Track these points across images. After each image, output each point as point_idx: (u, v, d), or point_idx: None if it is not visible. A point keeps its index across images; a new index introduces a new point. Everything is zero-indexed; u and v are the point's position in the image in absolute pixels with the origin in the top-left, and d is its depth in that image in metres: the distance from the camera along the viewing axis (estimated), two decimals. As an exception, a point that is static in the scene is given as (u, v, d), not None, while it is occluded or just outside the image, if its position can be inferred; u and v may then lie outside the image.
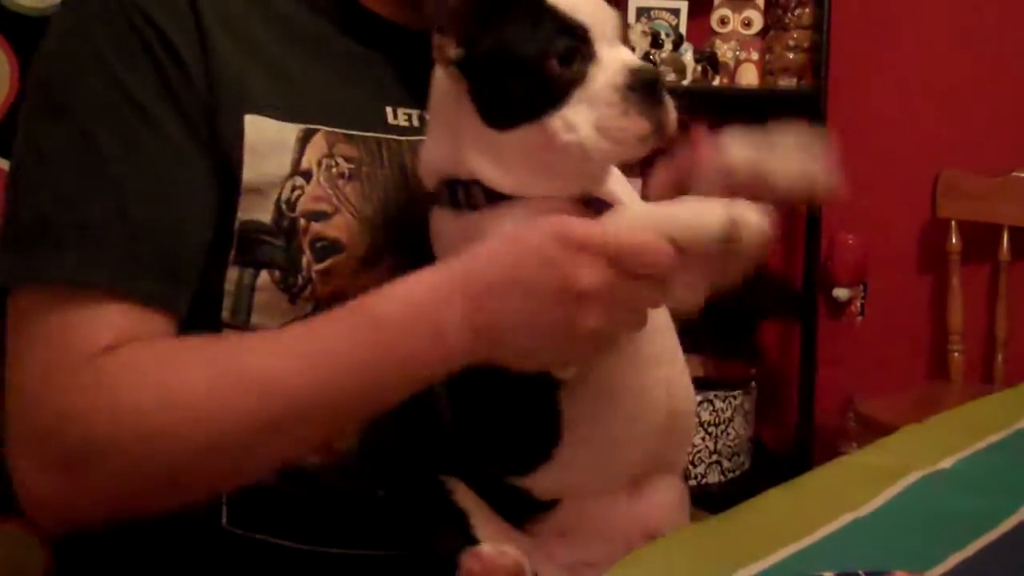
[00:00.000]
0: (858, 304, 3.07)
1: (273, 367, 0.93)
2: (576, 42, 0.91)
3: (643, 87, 0.90)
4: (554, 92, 0.91)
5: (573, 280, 0.86)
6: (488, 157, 0.95)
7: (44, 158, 0.99)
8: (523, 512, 1.01)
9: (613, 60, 0.91)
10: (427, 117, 1.03)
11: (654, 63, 2.75)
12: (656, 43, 2.79)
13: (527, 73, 0.91)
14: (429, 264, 0.98)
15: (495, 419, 1.01)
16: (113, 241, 0.96)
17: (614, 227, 0.88)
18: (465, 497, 1.00)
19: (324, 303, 1.02)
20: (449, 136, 0.97)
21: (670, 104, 0.92)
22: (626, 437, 0.99)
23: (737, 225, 0.84)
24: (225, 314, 1.03)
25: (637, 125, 0.91)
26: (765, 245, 0.86)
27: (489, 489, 1.00)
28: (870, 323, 3.08)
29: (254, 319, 1.02)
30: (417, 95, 1.08)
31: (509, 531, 1.00)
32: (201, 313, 1.02)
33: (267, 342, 0.96)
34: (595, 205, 0.97)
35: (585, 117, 0.91)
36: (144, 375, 0.94)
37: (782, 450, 3.09)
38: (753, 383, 3.08)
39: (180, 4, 1.01)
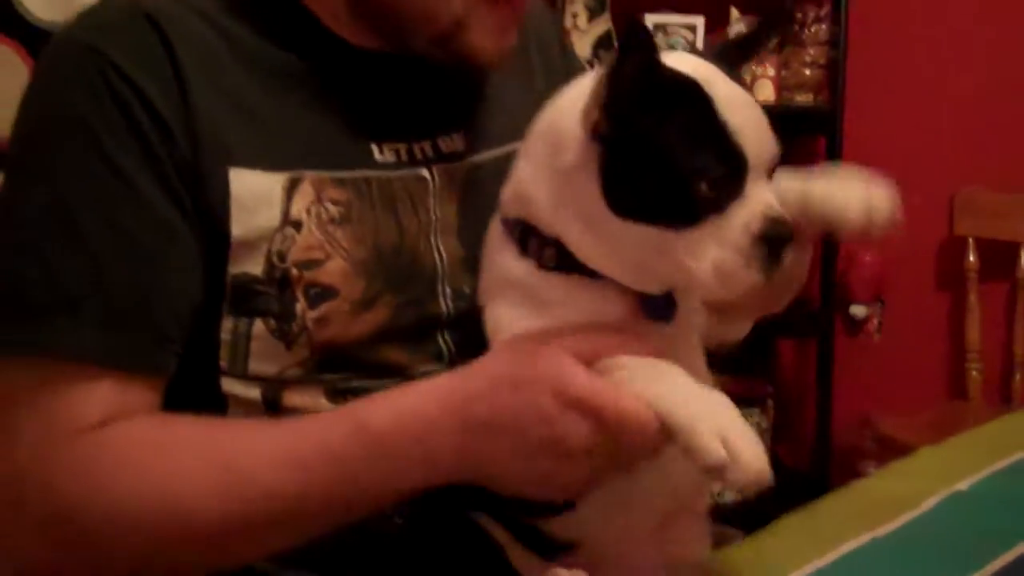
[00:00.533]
0: (875, 322, 3.06)
1: (260, 469, 0.94)
2: (731, 173, 0.87)
3: (773, 241, 0.87)
4: (691, 210, 0.87)
5: (563, 437, 0.88)
6: (585, 225, 0.92)
7: (20, 222, 0.98)
8: (546, 548, 1.00)
9: (756, 203, 0.88)
10: (523, 149, 0.99)
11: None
12: (672, 59, 2.79)
13: (673, 181, 0.87)
14: (425, 303, 1.03)
15: None
16: (94, 311, 0.96)
17: (612, 385, 0.87)
18: (496, 530, 1.00)
19: (320, 348, 1.02)
20: (551, 185, 0.94)
21: (787, 264, 0.89)
22: (648, 493, 0.97)
23: None
24: (223, 363, 1.02)
25: (752, 278, 0.88)
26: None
27: (511, 526, 1.00)
28: (887, 341, 3.07)
29: (252, 366, 1.02)
30: (400, 127, 1.08)
31: (540, 564, 0.99)
32: (199, 362, 1.01)
33: (257, 442, 0.96)
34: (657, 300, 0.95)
35: (711, 252, 0.87)
36: (129, 459, 0.95)
37: (799, 468, 3.07)
38: (770, 400, 3.07)
39: (158, 57, 0.99)
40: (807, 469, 3.01)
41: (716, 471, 0.81)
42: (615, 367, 0.88)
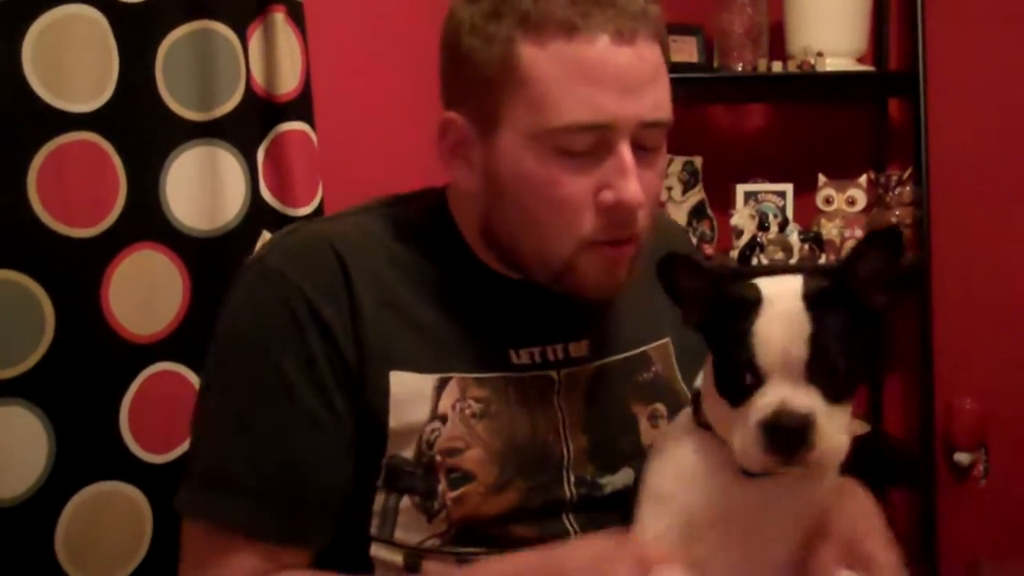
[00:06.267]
0: (980, 468, 3.07)
1: None
2: (755, 374, 1.07)
3: (774, 432, 1.05)
4: (736, 395, 1.08)
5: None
6: (709, 394, 1.14)
7: (210, 414, 1.20)
8: None
9: (769, 401, 1.06)
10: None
11: (761, 245, 2.87)
12: (763, 226, 2.90)
13: (731, 370, 1.09)
14: (551, 488, 1.21)
15: None
16: (249, 492, 1.15)
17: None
18: None
19: (456, 523, 1.18)
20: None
21: (811, 445, 1.05)
22: None
23: None
24: (373, 530, 1.19)
25: (766, 459, 1.06)
26: None
27: None
28: (993, 486, 3.08)
29: (397, 534, 1.19)
30: (536, 334, 1.24)
31: None
32: (354, 529, 1.19)
33: None
34: None
35: (739, 430, 1.08)
36: None
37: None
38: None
39: (336, 282, 1.17)
40: (920, 618, 2.99)
41: None
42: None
